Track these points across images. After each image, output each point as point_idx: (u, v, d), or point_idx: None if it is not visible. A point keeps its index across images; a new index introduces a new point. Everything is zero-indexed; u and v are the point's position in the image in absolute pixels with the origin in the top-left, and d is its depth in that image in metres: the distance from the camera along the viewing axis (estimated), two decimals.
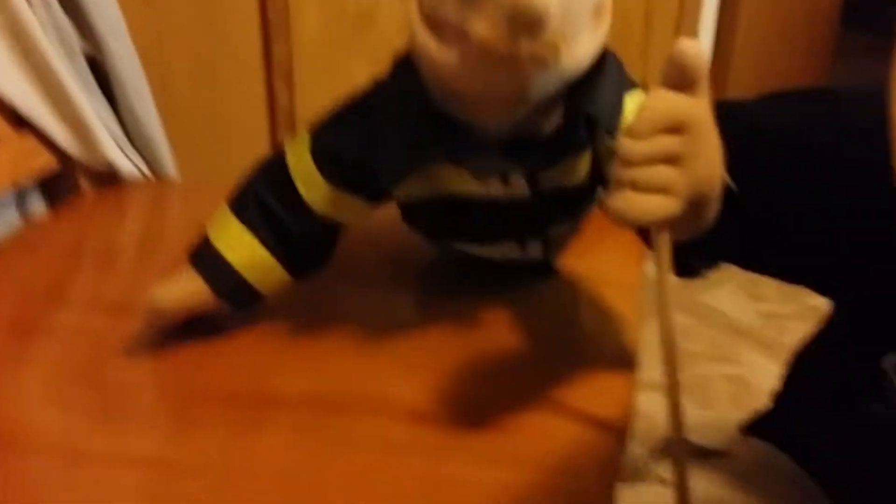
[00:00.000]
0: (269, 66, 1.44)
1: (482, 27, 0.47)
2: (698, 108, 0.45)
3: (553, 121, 0.56)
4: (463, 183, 0.60)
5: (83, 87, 0.86)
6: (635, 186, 0.44)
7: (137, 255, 0.76)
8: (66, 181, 0.90)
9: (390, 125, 0.57)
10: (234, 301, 0.61)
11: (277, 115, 1.47)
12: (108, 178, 0.91)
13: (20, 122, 0.83)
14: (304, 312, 0.65)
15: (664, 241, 0.47)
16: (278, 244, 0.61)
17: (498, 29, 0.47)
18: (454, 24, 0.49)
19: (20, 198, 0.88)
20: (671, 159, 0.44)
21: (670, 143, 0.44)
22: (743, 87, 2.21)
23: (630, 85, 0.57)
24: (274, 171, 0.61)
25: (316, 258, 0.64)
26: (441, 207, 0.61)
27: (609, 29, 0.53)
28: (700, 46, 0.44)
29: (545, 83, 0.51)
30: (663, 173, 0.44)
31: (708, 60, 0.45)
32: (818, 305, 0.73)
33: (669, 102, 0.44)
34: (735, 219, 0.62)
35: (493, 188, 0.59)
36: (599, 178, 0.61)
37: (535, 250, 0.66)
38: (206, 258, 0.61)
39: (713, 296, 1.51)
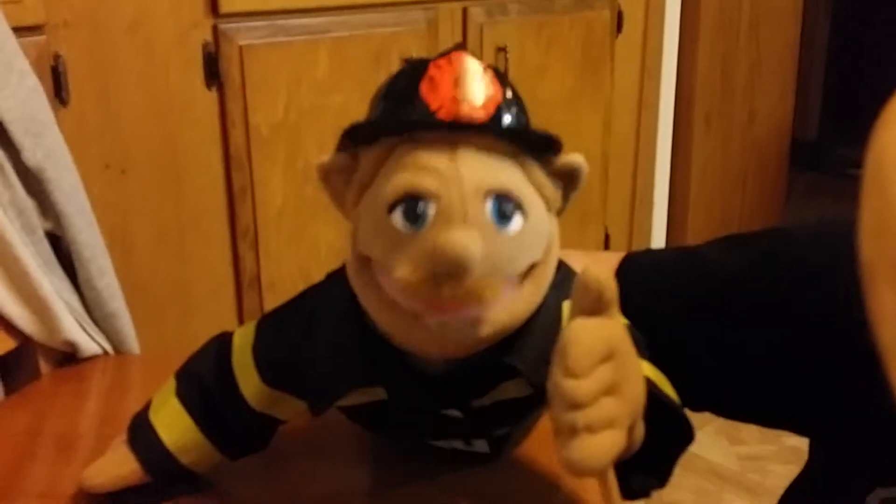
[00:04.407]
0: (234, 233, 1.45)
1: (405, 270, 0.45)
2: (617, 328, 0.43)
3: (485, 359, 0.53)
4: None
5: (43, 265, 0.86)
6: (591, 429, 0.41)
7: (97, 438, 0.73)
8: (25, 362, 0.88)
9: (325, 343, 0.55)
10: (169, 479, 0.61)
11: (243, 281, 1.47)
12: (68, 356, 0.89)
13: None
14: (245, 495, 0.62)
15: (611, 475, 0.44)
16: (214, 428, 0.59)
17: (420, 272, 0.45)
18: (381, 266, 0.48)
19: None
20: (611, 390, 0.42)
21: (608, 374, 0.42)
22: (701, 233, 2.26)
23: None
24: (218, 356, 0.60)
25: (253, 444, 0.62)
26: (379, 410, 0.58)
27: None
28: (606, 272, 0.42)
29: (467, 344, 0.49)
30: (609, 407, 0.42)
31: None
32: (797, 445, 0.72)
33: (596, 332, 0.42)
34: (705, 367, 0.62)
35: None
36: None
37: (481, 446, 0.63)
38: (141, 435, 0.60)
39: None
